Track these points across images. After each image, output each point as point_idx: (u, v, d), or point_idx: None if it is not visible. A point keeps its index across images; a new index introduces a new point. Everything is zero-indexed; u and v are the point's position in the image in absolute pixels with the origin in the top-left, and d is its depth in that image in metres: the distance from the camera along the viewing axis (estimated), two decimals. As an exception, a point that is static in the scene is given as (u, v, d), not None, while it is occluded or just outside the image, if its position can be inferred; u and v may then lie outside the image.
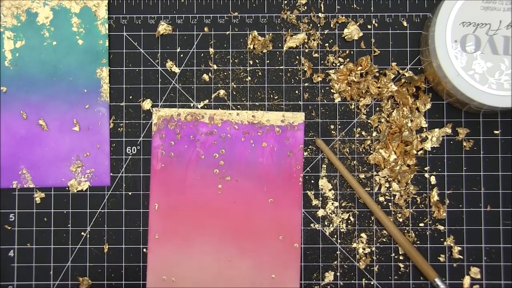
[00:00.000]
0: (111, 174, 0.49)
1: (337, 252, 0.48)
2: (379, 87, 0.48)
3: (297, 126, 0.49)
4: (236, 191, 0.48)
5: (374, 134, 0.49)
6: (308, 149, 0.49)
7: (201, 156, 0.49)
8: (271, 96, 0.49)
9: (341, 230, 0.48)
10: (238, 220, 0.48)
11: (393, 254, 0.48)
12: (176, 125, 0.49)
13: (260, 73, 0.49)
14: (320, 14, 0.49)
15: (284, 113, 0.49)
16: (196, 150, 0.49)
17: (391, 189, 0.48)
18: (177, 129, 0.49)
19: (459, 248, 0.48)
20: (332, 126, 0.49)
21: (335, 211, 0.48)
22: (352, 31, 0.49)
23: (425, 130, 0.49)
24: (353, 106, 0.49)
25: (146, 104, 0.49)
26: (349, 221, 0.48)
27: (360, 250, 0.48)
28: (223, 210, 0.48)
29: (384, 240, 0.48)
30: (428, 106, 0.48)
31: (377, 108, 0.49)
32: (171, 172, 0.49)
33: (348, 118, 0.49)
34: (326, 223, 0.48)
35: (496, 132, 0.49)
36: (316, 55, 0.49)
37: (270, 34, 0.49)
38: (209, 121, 0.49)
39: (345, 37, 0.49)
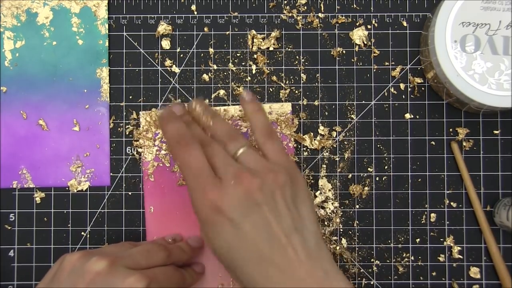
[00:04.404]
0: (111, 174, 0.49)
1: (337, 252, 0.48)
2: None
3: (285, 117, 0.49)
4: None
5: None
6: (308, 149, 0.49)
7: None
8: (282, 82, 0.49)
9: (341, 230, 0.48)
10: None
11: (393, 254, 0.48)
12: None
13: (260, 73, 0.49)
14: (320, 14, 0.49)
15: (271, 104, 0.49)
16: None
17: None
18: None
19: (459, 248, 0.48)
20: (332, 126, 0.49)
21: (335, 211, 0.48)
22: (360, 35, 0.49)
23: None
24: (353, 106, 0.49)
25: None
26: (349, 221, 0.48)
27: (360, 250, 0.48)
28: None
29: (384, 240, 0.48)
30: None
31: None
32: (163, 174, 0.48)
33: (348, 118, 0.49)
34: (326, 223, 0.48)
35: (496, 132, 0.49)
36: (316, 55, 0.49)
37: (271, 34, 0.49)
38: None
39: (354, 42, 0.49)
